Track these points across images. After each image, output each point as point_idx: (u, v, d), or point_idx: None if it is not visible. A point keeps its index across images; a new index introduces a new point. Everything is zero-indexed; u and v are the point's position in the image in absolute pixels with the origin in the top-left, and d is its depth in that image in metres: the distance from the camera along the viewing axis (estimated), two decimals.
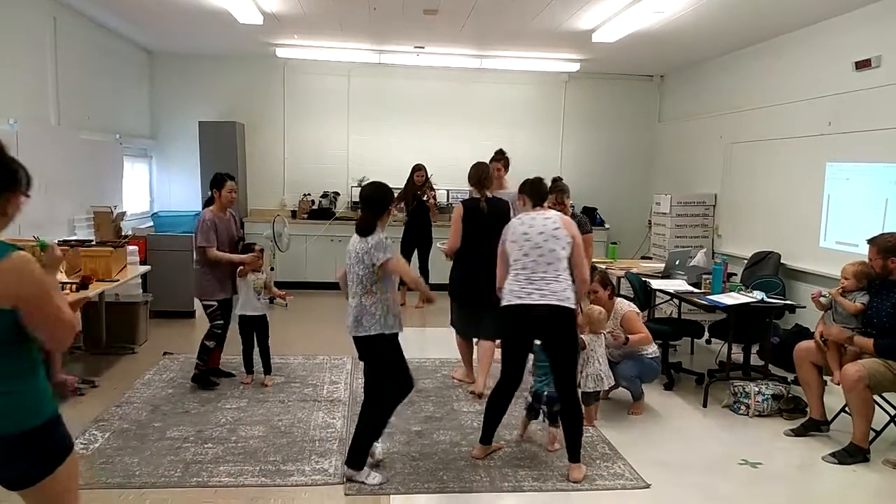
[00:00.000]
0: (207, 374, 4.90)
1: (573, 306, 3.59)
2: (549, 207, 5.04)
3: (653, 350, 4.66)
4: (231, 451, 3.81)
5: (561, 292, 3.54)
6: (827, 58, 5.89)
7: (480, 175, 5.03)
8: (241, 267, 4.86)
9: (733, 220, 7.40)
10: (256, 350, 5.02)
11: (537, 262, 3.59)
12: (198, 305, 6.07)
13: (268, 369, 5.04)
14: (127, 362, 5.55)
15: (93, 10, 6.45)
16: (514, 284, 3.62)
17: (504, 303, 3.66)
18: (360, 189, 3.55)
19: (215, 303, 4.83)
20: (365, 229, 3.40)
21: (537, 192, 3.85)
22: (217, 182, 4.90)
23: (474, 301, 4.82)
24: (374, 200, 3.45)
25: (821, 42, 6.01)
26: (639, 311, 4.79)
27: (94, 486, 3.37)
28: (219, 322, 4.84)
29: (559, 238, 3.61)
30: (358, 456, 3.48)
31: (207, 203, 4.98)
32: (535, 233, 3.62)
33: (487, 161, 5.40)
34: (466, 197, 5.16)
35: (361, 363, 3.62)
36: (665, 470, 3.78)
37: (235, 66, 8.78)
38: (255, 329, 4.98)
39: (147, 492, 3.34)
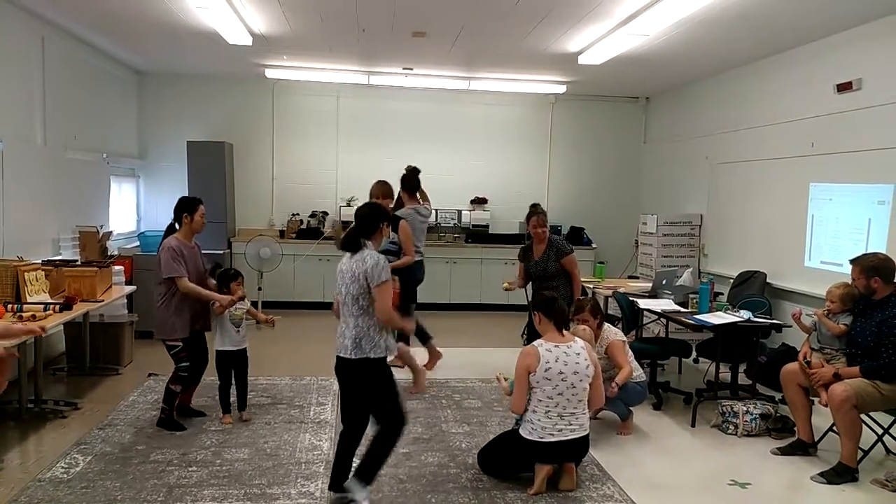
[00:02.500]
0: (173, 419, 4.44)
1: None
2: (531, 230, 5.16)
3: (638, 374, 4.64)
4: (216, 475, 3.75)
5: (586, 422, 3.72)
6: (809, 80, 6.00)
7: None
8: (216, 304, 4.43)
9: (719, 239, 7.46)
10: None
11: (570, 401, 3.62)
12: None
13: (243, 405, 4.65)
14: (111, 383, 5.48)
15: (81, 30, 6.45)
16: (545, 421, 3.61)
17: (533, 438, 3.62)
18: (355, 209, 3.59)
19: (180, 343, 4.37)
20: (350, 245, 3.37)
21: (561, 316, 3.79)
22: (189, 206, 4.44)
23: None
24: (365, 218, 3.43)
25: (803, 65, 6.12)
26: (625, 339, 4.78)
27: None
28: (184, 364, 4.38)
29: (589, 376, 3.66)
30: (371, 473, 3.38)
31: (169, 230, 4.47)
32: (570, 372, 3.60)
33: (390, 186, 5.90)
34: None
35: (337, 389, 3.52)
36: (654, 491, 3.76)
37: (224, 86, 8.80)
38: (234, 365, 4.57)
39: None
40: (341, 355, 3.36)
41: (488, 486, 3.73)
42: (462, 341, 7.15)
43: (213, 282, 4.59)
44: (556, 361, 3.58)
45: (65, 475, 3.68)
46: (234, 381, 4.61)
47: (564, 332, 3.76)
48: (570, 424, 3.62)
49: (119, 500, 3.42)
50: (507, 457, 3.78)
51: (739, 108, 7.12)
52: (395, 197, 5.78)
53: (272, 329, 4.90)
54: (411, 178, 5.82)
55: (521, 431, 3.70)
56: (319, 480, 3.72)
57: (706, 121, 7.80)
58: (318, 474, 3.81)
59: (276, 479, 3.73)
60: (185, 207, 4.42)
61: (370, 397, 3.39)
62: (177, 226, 4.47)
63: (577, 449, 3.69)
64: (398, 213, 5.55)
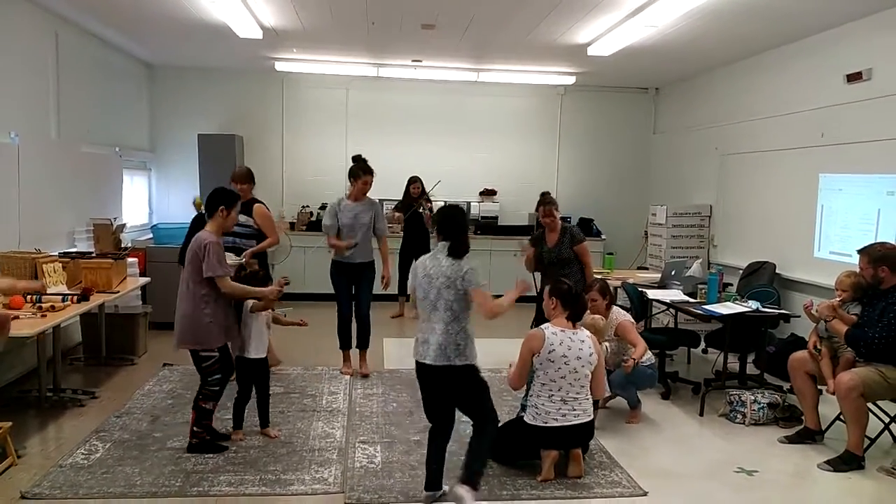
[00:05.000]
0: (211, 441, 4.00)
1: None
2: (541, 219, 5.18)
3: (648, 357, 4.69)
4: (231, 461, 3.84)
5: (590, 408, 3.77)
6: (819, 71, 5.99)
7: None
8: (257, 302, 4.04)
9: (729, 230, 7.47)
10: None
11: (572, 385, 3.67)
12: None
13: (266, 420, 4.24)
14: (127, 373, 5.57)
15: (93, 25, 6.52)
16: (549, 406, 3.67)
17: (537, 423, 3.68)
18: (440, 209, 3.49)
19: (216, 353, 3.89)
20: (461, 251, 3.31)
21: (579, 308, 3.84)
22: (229, 199, 3.96)
23: None
24: (462, 223, 3.40)
25: (812, 55, 6.11)
26: (633, 320, 4.84)
27: (95, 496, 3.40)
28: (216, 377, 3.90)
29: (591, 363, 3.73)
30: (479, 477, 3.33)
31: (197, 223, 4.12)
32: (573, 357, 3.66)
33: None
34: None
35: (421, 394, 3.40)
36: (662, 478, 3.81)
37: (235, 79, 8.86)
38: (258, 375, 4.16)
39: (148, 501, 3.37)
40: (439, 363, 3.23)
41: (497, 472, 3.79)
42: None
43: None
44: (561, 345, 3.66)
45: (85, 461, 3.77)
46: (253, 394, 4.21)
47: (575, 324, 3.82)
48: (574, 409, 3.68)
49: (138, 486, 3.51)
50: (513, 443, 3.84)
51: (749, 99, 7.11)
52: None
53: (305, 327, 4.52)
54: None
55: (525, 417, 3.77)
56: (333, 467, 3.80)
57: (716, 111, 7.79)
58: (332, 461, 3.89)
59: (290, 466, 3.80)
60: (223, 199, 3.94)
61: (470, 400, 3.36)
62: (206, 218, 3.99)
63: (580, 434, 3.74)
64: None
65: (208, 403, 3.92)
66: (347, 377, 5.53)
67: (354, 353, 5.65)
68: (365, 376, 5.54)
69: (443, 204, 8.88)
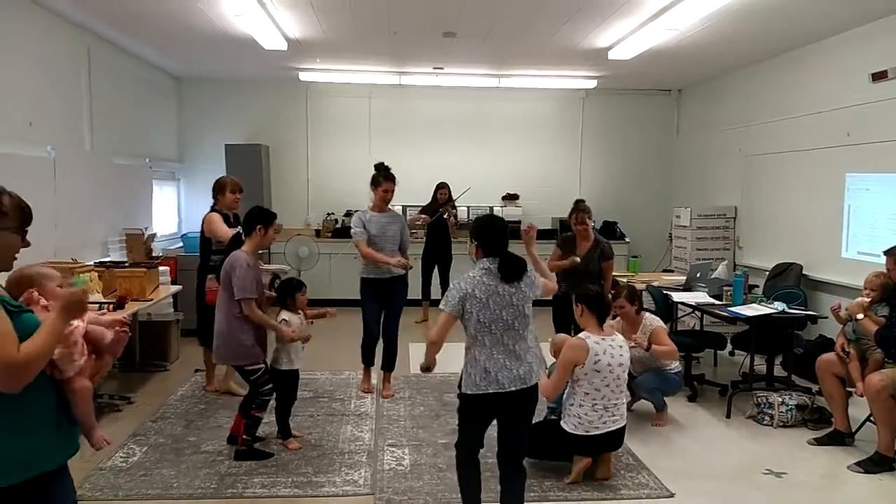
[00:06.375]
0: (257, 449, 4.05)
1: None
2: (573, 226, 5.14)
3: (675, 365, 4.70)
4: (264, 464, 3.93)
5: (625, 411, 3.86)
6: (843, 70, 5.94)
7: None
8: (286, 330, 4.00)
9: (754, 232, 7.42)
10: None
11: (613, 392, 3.72)
12: None
13: (287, 433, 4.23)
14: (160, 379, 5.71)
15: (124, 40, 6.71)
16: (592, 415, 3.69)
17: (578, 432, 3.70)
18: (485, 221, 3.09)
19: (262, 364, 3.96)
20: (519, 272, 2.95)
21: (606, 311, 3.90)
22: (266, 217, 3.97)
23: None
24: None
25: (836, 55, 6.07)
26: (664, 326, 4.84)
27: (134, 497, 3.51)
28: (268, 387, 3.97)
29: (628, 365, 3.84)
30: None
31: (236, 241, 4.10)
32: (616, 364, 3.72)
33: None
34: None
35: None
36: (689, 480, 3.82)
37: (260, 90, 9.02)
38: (286, 386, 4.15)
39: (185, 502, 3.47)
40: (528, 385, 2.92)
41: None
42: None
43: (271, 293, 4.23)
44: (605, 354, 3.68)
45: (124, 464, 3.89)
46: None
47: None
48: (613, 416, 3.72)
49: (175, 487, 3.61)
50: (548, 446, 3.87)
51: (773, 99, 7.07)
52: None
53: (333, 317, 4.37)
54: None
55: (564, 426, 3.76)
56: (362, 469, 3.88)
57: (739, 112, 7.75)
58: (361, 463, 3.96)
59: (321, 468, 3.89)
60: (260, 219, 3.95)
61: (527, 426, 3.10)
62: (242, 236, 4.03)
63: (615, 439, 3.79)
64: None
65: (260, 412, 3.97)
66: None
67: (377, 371, 5.38)
68: (387, 397, 5.22)
69: (465, 210, 8.77)
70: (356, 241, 5.11)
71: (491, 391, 2.87)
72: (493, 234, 2.98)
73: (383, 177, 5.16)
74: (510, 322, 2.88)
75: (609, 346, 3.72)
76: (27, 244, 1.89)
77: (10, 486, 1.76)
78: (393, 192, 5.22)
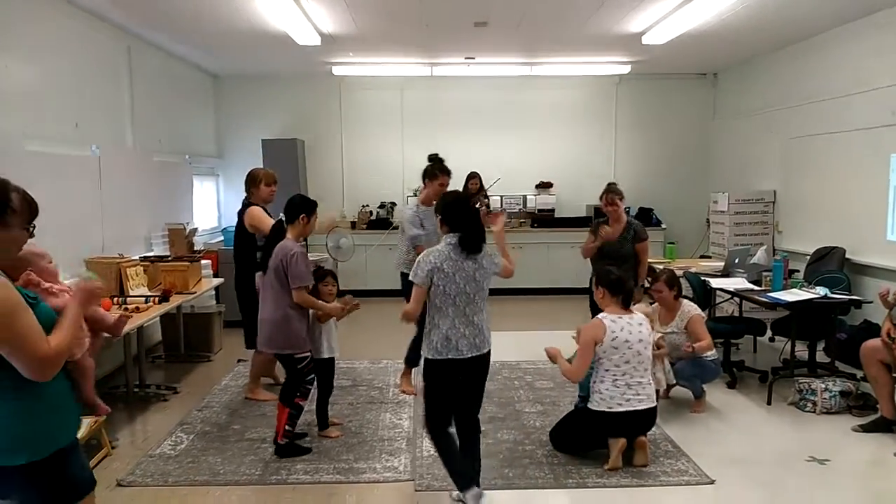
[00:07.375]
0: (297, 444, 4.06)
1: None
2: (604, 208, 5.12)
3: (713, 353, 4.66)
4: None
5: (653, 394, 3.86)
6: (886, 48, 5.77)
7: None
8: (321, 313, 4.07)
9: (794, 216, 7.27)
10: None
11: (636, 369, 3.74)
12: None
13: (325, 423, 4.29)
14: (204, 369, 5.88)
15: (163, 39, 6.87)
16: (614, 391, 3.73)
17: (601, 408, 3.74)
18: (451, 198, 3.42)
19: (308, 353, 4.01)
20: (478, 247, 3.27)
21: (628, 296, 3.88)
22: (309, 206, 3.99)
23: None
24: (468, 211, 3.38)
25: (879, 32, 5.88)
26: (703, 314, 4.80)
27: (183, 483, 3.64)
28: (312, 376, 4.04)
29: (651, 343, 3.88)
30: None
31: (278, 230, 4.04)
32: (635, 340, 3.74)
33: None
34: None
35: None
36: (729, 466, 3.80)
37: (295, 85, 9.14)
38: (325, 374, 4.19)
39: (232, 488, 3.58)
40: (482, 351, 3.26)
41: (563, 461, 3.86)
42: (531, 324, 7.26)
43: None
44: (622, 331, 3.71)
45: (172, 451, 4.03)
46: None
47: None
48: (638, 394, 3.73)
49: (222, 473, 3.73)
50: (579, 432, 3.90)
51: (811, 80, 6.89)
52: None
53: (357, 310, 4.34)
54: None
55: (589, 405, 3.82)
56: (402, 456, 3.95)
57: (778, 94, 7.58)
58: (401, 450, 4.03)
59: (361, 455, 3.97)
60: (303, 208, 3.97)
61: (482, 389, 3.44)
62: (284, 225, 4.02)
63: (645, 420, 3.79)
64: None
65: (303, 401, 4.00)
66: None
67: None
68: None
69: (498, 199, 8.67)
70: (417, 246, 4.82)
71: (450, 357, 3.19)
72: (456, 209, 3.28)
73: (439, 169, 4.99)
74: (472, 296, 3.20)
75: (627, 324, 3.74)
76: (32, 235, 2.03)
77: (42, 460, 1.95)
78: (447, 185, 5.02)
